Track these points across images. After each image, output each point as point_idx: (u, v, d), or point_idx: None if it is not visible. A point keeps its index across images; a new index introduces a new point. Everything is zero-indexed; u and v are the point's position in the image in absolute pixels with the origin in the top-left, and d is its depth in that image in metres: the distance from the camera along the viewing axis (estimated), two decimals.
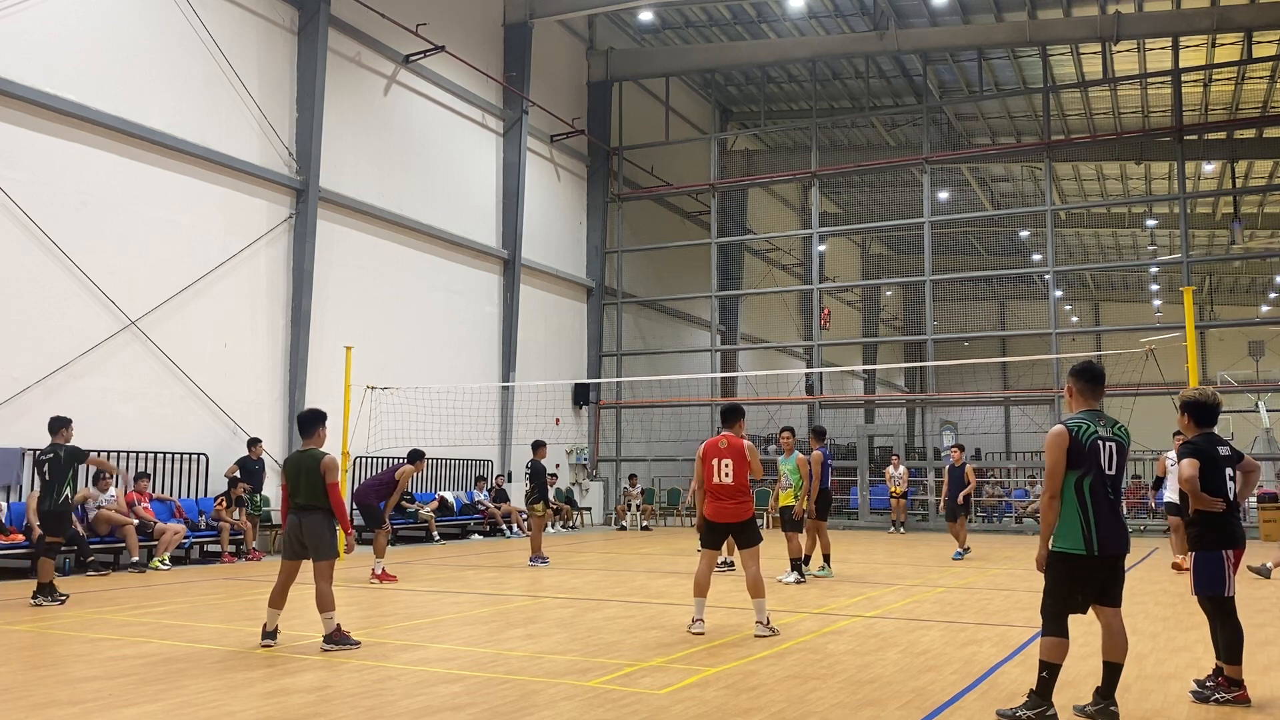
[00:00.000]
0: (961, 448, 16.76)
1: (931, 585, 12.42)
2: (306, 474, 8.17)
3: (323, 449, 8.39)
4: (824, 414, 29.93)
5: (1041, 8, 24.77)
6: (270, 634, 8.01)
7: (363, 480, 15.46)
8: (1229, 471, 6.21)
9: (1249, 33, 24.13)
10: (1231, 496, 6.20)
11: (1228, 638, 6.16)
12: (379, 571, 12.73)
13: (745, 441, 8.78)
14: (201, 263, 16.37)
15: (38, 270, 14.04)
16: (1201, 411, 6.30)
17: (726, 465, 8.65)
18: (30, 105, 13.97)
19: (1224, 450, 6.24)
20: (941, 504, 16.48)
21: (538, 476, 15.17)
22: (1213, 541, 6.15)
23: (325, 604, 7.98)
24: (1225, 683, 6.16)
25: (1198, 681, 6.31)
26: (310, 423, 8.55)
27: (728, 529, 8.75)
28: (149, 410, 15.51)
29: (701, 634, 8.39)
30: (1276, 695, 6.32)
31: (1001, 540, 20.50)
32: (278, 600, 8.13)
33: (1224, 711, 5.92)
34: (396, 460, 15.69)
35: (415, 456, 13.91)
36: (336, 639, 7.91)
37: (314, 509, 8.11)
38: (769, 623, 8.43)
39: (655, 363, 29.80)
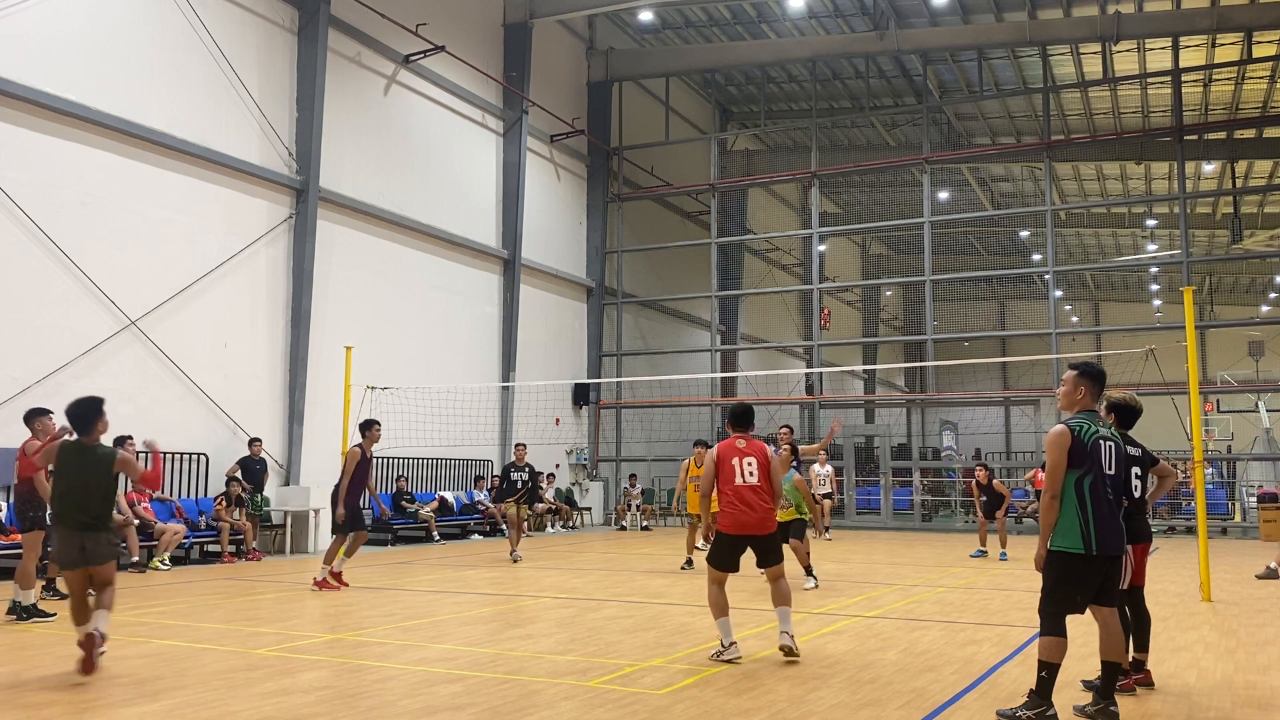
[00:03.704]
0: (986, 466, 17.40)
1: (931, 585, 12.42)
2: (95, 479, 7.10)
3: (107, 444, 7.38)
4: (824, 414, 29.95)
5: (1041, 8, 24.76)
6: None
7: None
8: (1135, 470, 6.49)
9: (1249, 33, 24.13)
10: (1137, 494, 6.50)
11: (1134, 624, 6.45)
12: (320, 578, 11.86)
13: (769, 447, 7.76)
14: (201, 263, 16.37)
15: (38, 270, 14.04)
16: (1126, 413, 6.65)
17: (750, 464, 7.40)
18: (30, 105, 13.97)
19: (1135, 451, 6.57)
20: (979, 509, 17.09)
21: (502, 476, 16.11)
22: None
23: (107, 602, 7.00)
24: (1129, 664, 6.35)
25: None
26: (88, 415, 7.24)
27: (748, 543, 7.41)
28: (149, 410, 15.49)
29: (739, 659, 7.30)
30: (1277, 695, 6.32)
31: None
32: (81, 615, 6.94)
33: (1224, 710, 5.92)
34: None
35: (367, 426, 12.15)
36: (99, 644, 6.80)
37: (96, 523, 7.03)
38: (793, 635, 7.43)
39: (655, 363, 29.80)
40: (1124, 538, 5.69)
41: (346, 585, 11.98)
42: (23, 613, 9.20)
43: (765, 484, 7.42)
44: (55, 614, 9.31)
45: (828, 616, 9.59)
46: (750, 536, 7.37)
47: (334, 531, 11.95)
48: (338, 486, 11.91)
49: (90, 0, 14.92)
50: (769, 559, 7.50)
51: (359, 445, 11.96)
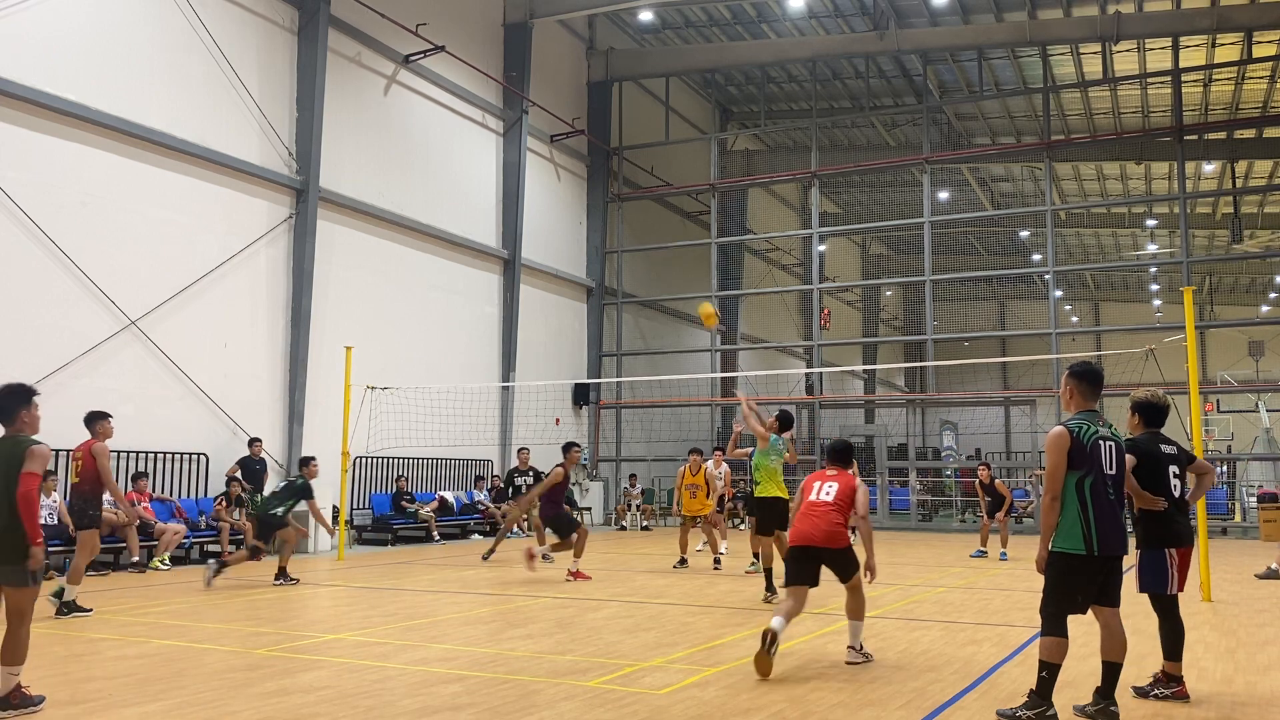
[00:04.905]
0: (988, 465, 17.44)
1: (931, 585, 12.42)
2: (6, 469, 5.89)
3: (34, 436, 6.08)
4: (824, 414, 29.96)
5: (1041, 8, 24.77)
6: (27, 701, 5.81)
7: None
8: (1173, 470, 6.28)
9: (1249, 33, 24.13)
10: (1176, 495, 6.27)
11: (1169, 634, 6.25)
12: (574, 570, 13.01)
13: (859, 481, 7.75)
14: (201, 263, 16.37)
15: (38, 270, 14.03)
16: (1152, 412, 6.45)
17: (830, 487, 7.47)
18: (30, 105, 13.97)
19: (1169, 450, 6.32)
20: (983, 510, 17.25)
21: (506, 481, 16.48)
22: (1156, 540, 6.18)
23: (14, 654, 5.87)
24: (1164, 678, 6.23)
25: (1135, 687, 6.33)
26: (5, 403, 6.07)
27: (819, 555, 7.30)
28: (149, 410, 15.49)
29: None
30: (1277, 695, 6.31)
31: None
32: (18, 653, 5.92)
33: (1224, 711, 5.92)
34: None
35: (567, 449, 13.54)
36: (15, 701, 5.79)
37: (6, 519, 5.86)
38: (862, 647, 7.38)
39: (655, 363, 29.80)
40: (1126, 538, 5.66)
41: (589, 577, 12.89)
42: (64, 607, 9.47)
43: (841, 504, 7.37)
44: (91, 609, 9.62)
45: (828, 616, 9.58)
46: (816, 549, 7.25)
47: (561, 536, 13.03)
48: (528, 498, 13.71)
49: (90, 0, 14.92)
50: (841, 573, 7.41)
51: (562, 465, 13.17)
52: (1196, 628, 9.04)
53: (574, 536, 12.93)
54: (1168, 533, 6.18)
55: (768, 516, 11.15)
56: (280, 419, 17.70)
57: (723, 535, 16.35)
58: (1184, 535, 6.25)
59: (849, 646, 7.32)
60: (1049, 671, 5.52)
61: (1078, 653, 6.65)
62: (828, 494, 7.42)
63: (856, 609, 7.36)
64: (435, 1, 21.82)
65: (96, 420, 10.08)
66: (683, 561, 14.62)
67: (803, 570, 7.26)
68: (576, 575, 12.84)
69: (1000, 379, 38.10)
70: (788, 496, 11.12)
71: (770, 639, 6.64)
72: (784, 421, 11.64)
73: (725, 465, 16.51)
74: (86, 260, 14.58)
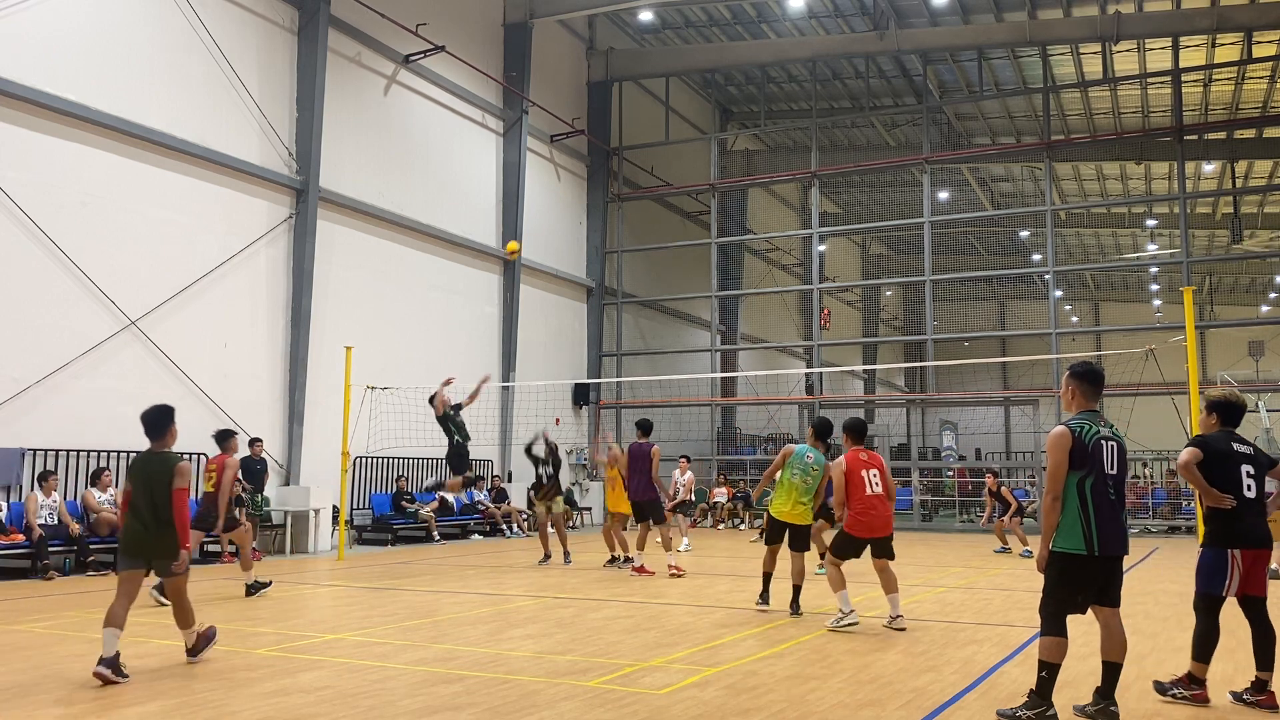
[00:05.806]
0: (995, 472, 18.37)
1: (931, 585, 12.42)
2: (155, 480, 7.11)
3: (174, 450, 7.44)
4: (824, 414, 29.95)
5: (1041, 8, 24.76)
6: (112, 662, 6.61)
7: (625, 484, 14.00)
8: (1247, 469, 6.12)
9: (1249, 33, 24.13)
10: (1251, 495, 6.08)
11: (1203, 635, 6.11)
12: (672, 564, 13.18)
13: (879, 456, 9.08)
14: (201, 263, 16.36)
15: (38, 270, 14.03)
16: (1230, 410, 6.40)
17: (875, 476, 8.80)
18: (30, 105, 13.96)
19: (1243, 449, 6.19)
20: (985, 519, 18.44)
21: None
22: (1220, 539, 6.10)
23: (185, 620, 7.36)
24: (1188, 679, 6.15)
25: (1232, 694, 6.19)
26: (160, 422, 7.33)
27: (876, 543, 8.87)
28: None
29: (857, 624, 8.76)
30: (1276, 695, 6.30)
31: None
32: (119, 618, 6.83)
33: (1224, 710, 5.91)
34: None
35: (647, 429, 13.86)
36: (200, 646, 7.40)
37: (159, 522, 7.09)
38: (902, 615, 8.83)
39: (655, 363, 29.78)
40: (1126, 539, 5.65)
41: (653, 573, 13.19)
42: (250, 589, 11.09)
43: (885, 492, 8.81)
44: (270, 581, 11.40)
45: (828, 616, 9.58)
46: (878, 538, 8.81)
47: (657, 522, 13.42)
48: (638, 484, 13.41)
49: (90, 0, 14.92)
50: (882, 553, 8.91)
51: (651, 444, 13.55)
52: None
53: (667, 525, 13.44)
54: (1232, 532, 6.05)
55: (775, 532, 9.94)
56: (280, 419, 17.70)
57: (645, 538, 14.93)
58: (1251, 536, 6.06)
59: (894, 616, 8.70)
60: (1049, 671, 5.52)
61: (1078, 653, 6.65)
62: (877, 486, 8.73)
63: (893, 583, 8.87)
64: (435, 1, 21.81)
65: (229, 437, 11.42)
66: (627, 560, 14.31)
67: (858, 552, 8.87)
68: (642, 570, 13.22)
69: (1000, 379, 38.09)
70: (809, 522, 9.80)
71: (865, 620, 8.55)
72: (819, 430, 9.96)
73: (690, 472, 16.98)
74: (86, 260, 14.58)
